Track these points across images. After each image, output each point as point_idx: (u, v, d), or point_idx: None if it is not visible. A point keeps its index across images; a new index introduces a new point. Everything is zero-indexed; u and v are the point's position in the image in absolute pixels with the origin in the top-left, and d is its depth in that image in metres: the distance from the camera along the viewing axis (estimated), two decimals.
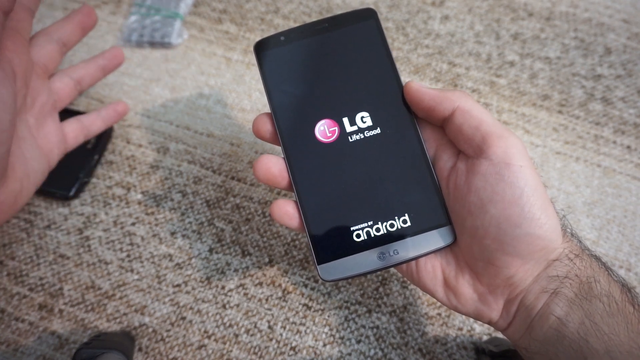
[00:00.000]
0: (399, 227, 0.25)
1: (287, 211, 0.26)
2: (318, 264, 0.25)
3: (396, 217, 0.25)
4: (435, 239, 0.25)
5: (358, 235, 0.25)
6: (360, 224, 0.25)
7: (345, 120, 0.26)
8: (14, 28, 0.29)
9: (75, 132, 0.35)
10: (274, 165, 0.26)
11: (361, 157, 0.26)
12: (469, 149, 0.24)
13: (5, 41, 0.28)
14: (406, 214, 0.25)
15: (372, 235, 0.25)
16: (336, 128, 0.26)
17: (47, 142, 0.32)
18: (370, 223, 0.25)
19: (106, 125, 0.38)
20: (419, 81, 0.45)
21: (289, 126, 0.26)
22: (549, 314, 0.22)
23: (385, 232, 0.25)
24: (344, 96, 0.27)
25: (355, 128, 0.26)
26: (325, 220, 0.25)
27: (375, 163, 0.26)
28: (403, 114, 0.26)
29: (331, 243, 0.25)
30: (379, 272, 0.36)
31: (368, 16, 0.28)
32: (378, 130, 0.26)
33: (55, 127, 0.33)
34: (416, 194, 0.25)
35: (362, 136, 0.26)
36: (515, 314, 0.24)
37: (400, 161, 0.26)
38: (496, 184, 0.22)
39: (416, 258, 0.25)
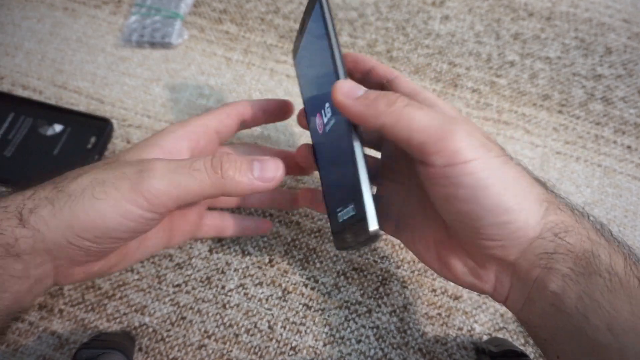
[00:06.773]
0: (352, 215, 0.24)
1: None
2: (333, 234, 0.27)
3: (350, 205, 0.24)
4: (364, 229, 0.23)
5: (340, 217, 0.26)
6: (337, 208, 0.26)
7: (322, 112, 0.27)
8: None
9: (211, 227, 0.34)
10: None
11: (330, 147, 0.26)
12: (414, 157, 0.23)
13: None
14: (350, 205, 0.24)
15: (344, 219, 0.25)
16: (320, 120, 0.27)
17: (179, 232, 0.32)
18: (340, 209, 0.25)
19: (242, 234, 0.35)
20: (417, 81, 0.45)
21: (310, 121, 0.29)
22: (544, 289, 0.22)
23: (345, 219, 0.25)
24: (321, 88, 0.27)
25: (326, 119, 0.26)
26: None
27: (335, 152, 0.26)
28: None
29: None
30: (381, 268, 0.36)
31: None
32: (334, 120, 0.25)
33: (196, 221, 0.33)
34: (351, 185, 0.24)
35: (329, 127, 0.26)
36: (510, 288, 0.24)
37: (341, 152, 0.25)
38: (447, 186, 0.22)
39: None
